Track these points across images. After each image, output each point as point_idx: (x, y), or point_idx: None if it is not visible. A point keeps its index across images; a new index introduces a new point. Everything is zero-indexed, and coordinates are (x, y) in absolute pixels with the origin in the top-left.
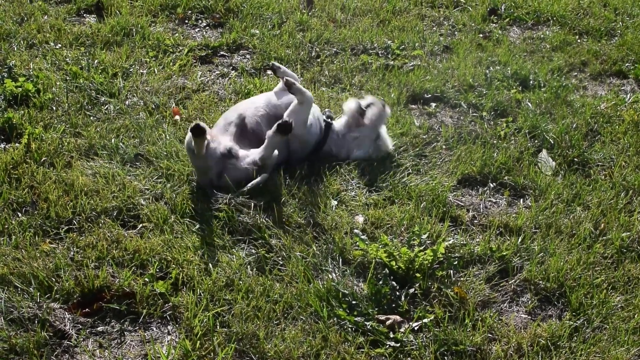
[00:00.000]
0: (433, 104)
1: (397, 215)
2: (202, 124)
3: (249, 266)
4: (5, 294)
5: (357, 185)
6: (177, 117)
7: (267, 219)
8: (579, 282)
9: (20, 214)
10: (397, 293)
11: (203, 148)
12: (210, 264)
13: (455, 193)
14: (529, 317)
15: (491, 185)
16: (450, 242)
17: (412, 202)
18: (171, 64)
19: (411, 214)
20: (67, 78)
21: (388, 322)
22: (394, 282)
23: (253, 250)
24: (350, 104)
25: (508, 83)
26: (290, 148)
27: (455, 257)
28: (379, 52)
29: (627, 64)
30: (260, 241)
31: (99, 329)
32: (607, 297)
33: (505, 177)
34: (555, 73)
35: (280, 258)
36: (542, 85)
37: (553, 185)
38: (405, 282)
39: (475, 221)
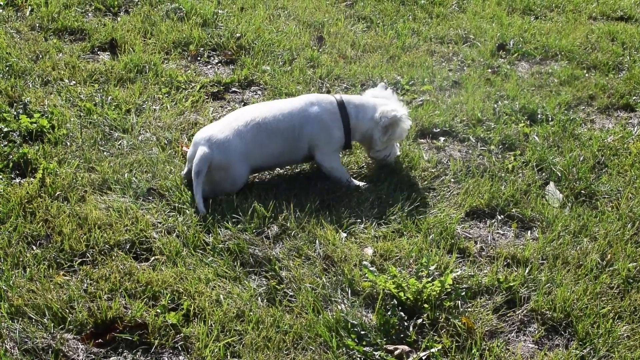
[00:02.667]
0: (442, 138)
1: (405, 247)
2: None
3: (259, 297)
4: (20, 324)
5: (367, 217)
6: (186, 149)
7: (277, 251)
8: (585, 312)
9: (34, 247)
10: (406, 323)
11: None
12: (221, 295)
13: (463, 225)
14: (536, 346)
15: (499, 217)
16: (458, 273)
17: (420, 234)
18: (183, 100)
19: (419, 246)
20: (81, 114)
21: (396, 352)
22: (402, 313)
23: (264, 282)
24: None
25: (516, 117)
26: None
27: (463, 288)
28: (389, 87)
29: (634, 97)
30: (270, 273)
31: (111, 359)
32: (613, 327)
33: (513, 210)
34: (563, 107)
35: (290, 289)
36: (549, 119)
37: (560, 217)
38: (413, 312)
39: (483, 253)
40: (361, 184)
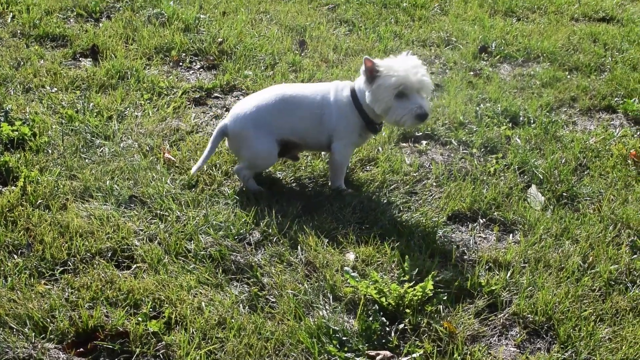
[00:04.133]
0: (424, 142)
1: (387, 252)
2: None
3: (241, 304)
4: (1, 334)
5: (348, 222)
6: (168, 155)
7: (259, 258)
8: (567, 315)
9: (16, 256)
10: (387, 329)
11: None
12: (203, 303)
13: (445, 229)
14: (518, 350)
15: (481, 221)
16: (440, 277)
17: (402, 239)
18: (165, 106)
19: (401, 250)
20: (63, 121)
21: (378, 358)
22: (384, 318)
23: (246, 288)
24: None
25: (498, 120)
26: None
27: (445, 293)
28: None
29: (616, 99)
30: (252, 279)
31: None
32: (595, 330)
33: (495, 213)
34: (545, 109)
35: (272, 296)
36: (531, 121)
37: (542, 220)
38: (395, 317)
39: (465, 257)
40: (346, 188)
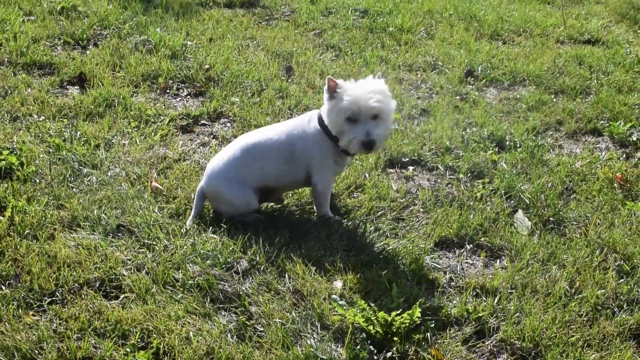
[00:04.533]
0: (411, 168)
1: (375, 280)
2: None
3: (229, 334)
4: None
5: (336, 249)
6: (155, 184)
7: (247, 286)
8: (554, 340)
9: (4, 287)
10: (375, 357)
11: None
12: (191, 333)
13: (432, 256)
14: None
15: (468, 247)
16: (428, 304)
17: (389, 265)
18: (153, 133)
19: (389, 277)
20: (50, 150)
21: None
22: (371, 347)
23: (234, 317)
24: None
25: (484, 144)
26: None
27: (433, 320)
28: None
29: (601, 122)
30: (240, 309)
31: None
32: (582, 355)
33: (482, 239)
34: (531, 133)
35: (260, 325)
36: (518, 145)
37: (529, 245)
38: (383, 346)
39: (452, 283)
40: (332, 215)
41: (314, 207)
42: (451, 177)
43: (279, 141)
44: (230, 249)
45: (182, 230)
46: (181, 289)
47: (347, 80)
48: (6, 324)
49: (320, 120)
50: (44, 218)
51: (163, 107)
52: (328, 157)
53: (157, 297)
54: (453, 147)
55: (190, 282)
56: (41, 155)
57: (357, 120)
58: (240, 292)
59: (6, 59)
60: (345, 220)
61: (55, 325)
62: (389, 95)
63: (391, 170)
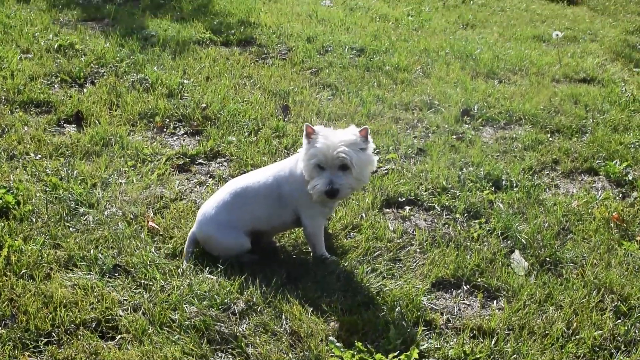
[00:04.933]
0: (407, 208)
1: (371, 321)
2: None
3: None
4: None
5: (332, 290)
6: (152, 224)
7: (244, 328)
8: None
9: (0, 328)
10: None
11: None
12: None
13: (429, 297)
14: None
15: (465, 287)
16: (425, 346)
17: (386, 306)
18: (149, 173)
19: (386, 319)
20: (47, 189)
21: None
22: None
23: (231, 359)
24: None
25: (481, 184)
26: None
27: None
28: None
29: (597, 161)
30: (237, 350)
31: None
32: None
33: (479, 279)
34: (527, 172)
35: None
36: (514, 185)
37: (526, 286)
38: None
39: (450, 324)
40: (329, 256)
41: (309, 248)
42: (448, 217)
43: (267, 184)
44: (227, 289)
45: (178, 270)
46: (178, 330)
47: (331, 126)
48: None
49: None
50: (40, 258)
51: (160, 146)
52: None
53: (153, 338)
54: (449, 186)
55: (187, 322)
56: (38, 194)
57: (323, 169)
58: (237, 334)
59: (3, 97)
60: (342, 261)
61: None
62: (360, 146)
63: (388, 210)
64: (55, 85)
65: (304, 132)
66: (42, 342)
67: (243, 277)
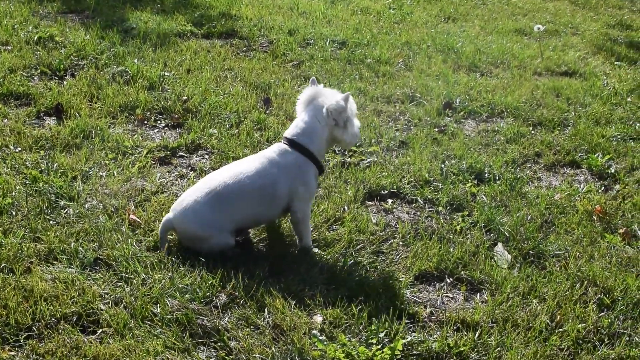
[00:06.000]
0: (390, 200)
1: (355, 314)
2: None
3: None
4: None
5: (315, 284)
6: (133, 217)
7: (226, 321)
8: None
9: None
10: None
11: None
12: None
13: (412, 289)
14: None
15: (448, 280)
16: (408, 339)
17: (369, 299)
18: (130, 165)
19: (369, 312)
20: (27, 182)
21: None
22: None
23: (213, 353)
24: None
25: (463, 177)
26: None
27: (414, 355)
28: (336, 149)
29: (580, 154)
30: (219, 344)
31: None
32: None
33: (462, 272)
34: (510, 165)
35: None
36: (497, 177)
37: (509, 279)
38: None
39: (433, 317)
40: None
41: (297, 239)
42: (430, 209)
43: (258, 185)
44: (209, 282)
45: (160, 263)
46: (160, 324)
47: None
48: None
49: (298, 145)
50: (20, 251)
51: (141, 138)
52: (314, 178)
53: (135, 332)
54: (432, 179)
55: (168, 316)
56: (17, 187)
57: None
58: (220, 327)
59: None
60: (325, 254)
61: None
62: None
63: (370, 203)
64: (35, 78)
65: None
66: (23, 337)
67: (225, 270)
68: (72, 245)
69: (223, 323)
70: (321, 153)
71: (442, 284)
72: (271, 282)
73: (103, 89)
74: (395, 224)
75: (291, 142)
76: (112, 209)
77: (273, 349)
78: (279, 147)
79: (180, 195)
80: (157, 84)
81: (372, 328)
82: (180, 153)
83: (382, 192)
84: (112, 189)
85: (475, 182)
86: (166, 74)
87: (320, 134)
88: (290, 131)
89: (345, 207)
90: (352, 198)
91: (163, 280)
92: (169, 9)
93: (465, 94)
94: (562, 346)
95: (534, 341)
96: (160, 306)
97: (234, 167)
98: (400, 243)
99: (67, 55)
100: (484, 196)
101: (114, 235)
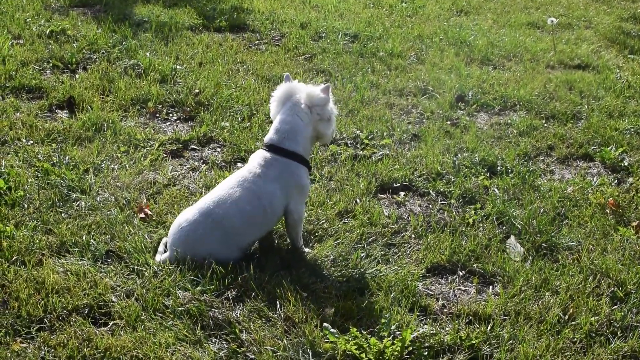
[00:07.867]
0: (402, 193)
1: (366, 306)
2: None
3: None
4: None
5: (327, 276)
6: (146, 210)
7: (238, 313)
8: None
9: None
10: None
11: None
12: None
13: (424, 282)
14: None
15: (460, 273)
16: (420, 331)
17: (381, 292)
18: (142, 158)
19: (380, 304)
20: (39, 175)
21: None
22: None
23: (224, 345)
24: None
25: (476, 170)
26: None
27: (425, 347)
28: (348, 142)
29: (593, 147)
30: (231, 336)
31: None
32: None
33: (474, 265)
34: (522, 158)
35: (251, 352)
36: (509, 170)
37: (522, 272)
38: None
39: (445, 310)
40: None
41: (290, 241)
42: (443, 202)
43: (262, 209)
44: (221, 275)
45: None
46: (171, 316)
47: None
48: None
49: (283, 151)
50: (32, 243)
51: (152, 131)
52: (307, 180)
53: (147, 324)
54: (444, 172)
55: (180, 308)
56: (29, 180)
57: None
58: (231, 319)
59: None
60: (337, 246)
61: (43, 352)
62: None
63: (382, 195)
64: (47, 71)
65: (323, 95)
66: (34, 329)
67: (236, 262)
68: (84, 237)
69: (235, 315)
70: (308, 152)
71: (454, 277)
72: (283, 274)
73: (115, 82)
74: (408, 217)
75: (277, 149)
76: (124, 202)
77: (285, 341)
78: (264, 158)
79: (180, 214)
80: (169, 77)
81: (384, 321)
82: (192, 146)
83: (395, 184)
84: (124, 182)
85: (488, 175)
86: (178, 67)
87: (304, 133)
88: (272, 137)
89: (358, 200)
90: (364, 191)
91: (174, 273)
92: (181, 2)
93: (477, 87)
94: (575, 339)
95: (547, 334)
96: (171, 298)
97: (229, 193)
98: (413, 236)
99: (79, 48)
100: (496, 189)
101: (126, 228)
